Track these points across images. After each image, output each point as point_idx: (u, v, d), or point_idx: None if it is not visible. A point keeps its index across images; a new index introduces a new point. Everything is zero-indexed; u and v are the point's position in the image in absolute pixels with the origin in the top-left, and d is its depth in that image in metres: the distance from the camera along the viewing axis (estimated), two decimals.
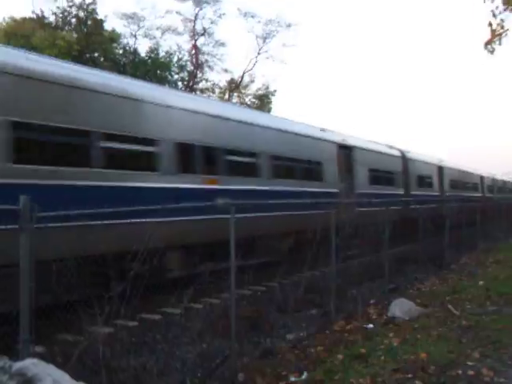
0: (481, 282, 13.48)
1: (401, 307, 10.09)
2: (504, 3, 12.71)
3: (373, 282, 12.83)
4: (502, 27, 12.66)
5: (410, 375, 6.30)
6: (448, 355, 7.09)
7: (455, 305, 10.58)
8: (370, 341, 8.28)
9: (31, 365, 2.64)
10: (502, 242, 25.06)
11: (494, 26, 12.64)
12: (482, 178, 43.70)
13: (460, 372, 6.45)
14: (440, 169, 31.56)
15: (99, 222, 8.87)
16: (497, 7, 12.71)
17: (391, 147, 25.94)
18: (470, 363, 6.81)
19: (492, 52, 12.73)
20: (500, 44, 12.76)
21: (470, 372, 6.46)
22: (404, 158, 26.42)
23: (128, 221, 8.88)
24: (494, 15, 12.69)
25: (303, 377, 6.86)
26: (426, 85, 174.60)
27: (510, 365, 6.82)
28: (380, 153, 23.55)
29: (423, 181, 28.60)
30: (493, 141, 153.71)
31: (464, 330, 8.54)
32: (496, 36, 12.67)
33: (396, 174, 24.84)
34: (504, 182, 55.13)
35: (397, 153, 26.01)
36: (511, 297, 11.36)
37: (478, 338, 8.06)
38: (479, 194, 41.50)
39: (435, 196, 29.56)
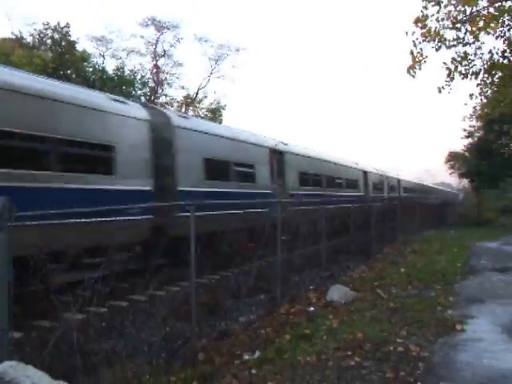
0: (402, 269, 13.57)
1: (338, 292, 10.00)
2: (422, 35, 12.96)
3: (312, 270, 12.73)
4: (422, 55, 12.87)
5: (349, 352, 6.20)
6: (380, 334, 7.03)
7: (383, 289, 10.57)
8: (312, 322, 8.15)
9: (9, 368, 2.33)
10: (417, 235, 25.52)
11: (415, 54, 12.83)
12: (365, 173, 31.61)
13: (391, 348, 6.40)
14: (276, 155, 18.41)
15: None
16: (417, 38, 12.97)
17: (125, 102, 12.58)
18: (399, 340, 6.76)
19: (414, 76, 12.90)
20: (420, 69, 12.97)
21: (400, 348, 6.41)
22: (162, 127, 12.93)
23: None
24: (415, 45, 12.94)
25: (255, 355, 6.68)
26: (360, 99, 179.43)
27: (432, 341, 6.81)
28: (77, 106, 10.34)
29: (227, 169, 15.32)
30: (412, 150, 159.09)
31: (392, 312, 8.51)
32: (416, 62, 12.85)
33: (139, 148, 11.83)
34: (398, 181, 43.37)
35: (140, 114, 12.33)
36: (428, 281, 11.49)
37: (404, 318, 8.05)
38: (360, 193, 29.73)
39: (263, 195, 16.68)
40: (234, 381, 5.64)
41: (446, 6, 12.50)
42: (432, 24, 12.82)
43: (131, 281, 10.20)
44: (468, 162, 43.50)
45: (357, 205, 20.72)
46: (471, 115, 38.82)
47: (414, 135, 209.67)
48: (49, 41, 35.58)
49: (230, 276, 11.15)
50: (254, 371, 5.91)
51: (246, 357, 6.69)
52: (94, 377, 5.82)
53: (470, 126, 41.92)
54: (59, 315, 6.89)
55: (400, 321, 7.84)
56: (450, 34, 13.21)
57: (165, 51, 44.28)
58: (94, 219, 9.64)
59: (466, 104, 39.00)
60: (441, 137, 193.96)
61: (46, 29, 35.43)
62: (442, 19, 12.67)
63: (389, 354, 6.18)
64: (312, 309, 9.39)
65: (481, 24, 12.23)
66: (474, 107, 23.56)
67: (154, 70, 43.75)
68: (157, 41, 43.58)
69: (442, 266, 14.16)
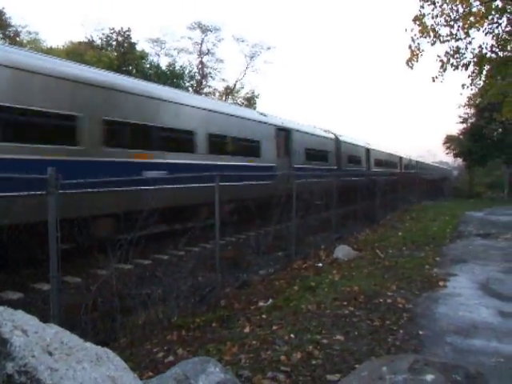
0: (400, 233, 13.22)
1: (342, 251, 9.78)
2: (420, 32, 12.33)
3: (324, 233, 12.48)
4: (419, 49, 12.25)
5: (345, 303, 5.98)
6: (374, 288, 6.76)
7: (381, 250, 10.28)
8: (318, 276, 7.97)
9: None
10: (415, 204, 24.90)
11: (413, 48, 12.23)
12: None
13: (381, 300, 6.13)
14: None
15: None
16: (415, 34, 12.38)
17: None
18: (389, 293, 6.49)
19: (412, 67, 12.30)
20: (417, 61, 12.36)
21: (389, 300, 6.15)
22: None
23: None
24: (413, 40, 12.33)
25: (268, 303, 6.56)
26: (372, 89, 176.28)
27: (416, 295, 6.52)
28: None
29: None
30: (416, 133, 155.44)
31: (386, 269, 8.22)
32: (414, 56, 12.23)
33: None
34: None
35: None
36: (421, 244, 11.14)
37: (396, 274, 7.74)
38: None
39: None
40: (247, 323, 5.53)
41: (441, 6, 11.80)
42: (428, 21, 12.19)
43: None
44: (461, 144, 42.14)
45: (363, 178, 20.04)
46: (465, 104, 37.73)
47: (418, 120, 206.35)
48: (114, 43, 35.80)
49: (253, 236, 11.02)
50: (264, 316, 5.79)
51: (261, 304, 6.58)
52: (133, 315, 5.81)
53: (465, 113, 40.76)
54: (111, 265, 6.87)
55: (392, 277, 7.55)
56: (444, 31, 12.57)
57: (208, 50, 44.33)
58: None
59: (461, 94, 37.78)
60: (441, 121, 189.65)
61: (111, 33, 35.81)
62: (437, 16, 11.98)
63: (379, 305, 5.94)
64: (320, 265, 9.19)
65: (472, 20, 11.52)
66: (469, 97, 22.61)
67: (200, 66, 43.70)
68: (202, 41, 43.62)
69: (433, 231, 13.72)
